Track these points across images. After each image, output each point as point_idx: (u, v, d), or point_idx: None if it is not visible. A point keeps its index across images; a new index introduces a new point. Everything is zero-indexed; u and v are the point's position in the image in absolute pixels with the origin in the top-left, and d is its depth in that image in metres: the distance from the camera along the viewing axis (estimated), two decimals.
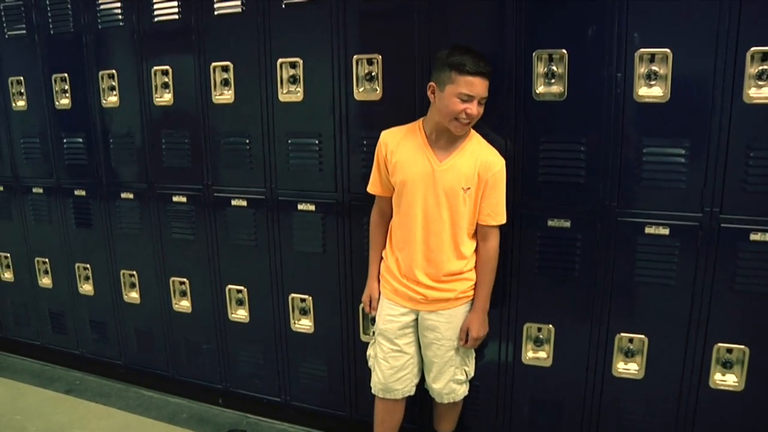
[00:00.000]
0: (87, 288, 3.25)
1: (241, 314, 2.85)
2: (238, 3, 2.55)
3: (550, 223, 2.21)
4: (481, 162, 2.10)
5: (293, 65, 2.49)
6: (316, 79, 2.47)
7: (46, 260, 3.34)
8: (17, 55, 3.14)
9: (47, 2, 2.97)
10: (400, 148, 2.16)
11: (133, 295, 3.11)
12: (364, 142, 2.41)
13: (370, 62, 2.37)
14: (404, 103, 2.28)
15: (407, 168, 2.13)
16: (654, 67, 2.00)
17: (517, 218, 2.23)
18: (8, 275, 3.51)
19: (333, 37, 2.39)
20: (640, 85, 2.03)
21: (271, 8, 2.49)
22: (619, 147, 2.08)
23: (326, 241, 2.57)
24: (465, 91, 2.00)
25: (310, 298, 2.68)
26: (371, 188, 2.27)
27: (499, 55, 2.16)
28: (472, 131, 2.15)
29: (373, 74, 2.37)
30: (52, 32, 2.99)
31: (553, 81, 2.12)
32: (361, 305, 2.43)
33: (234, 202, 2.73)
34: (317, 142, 2.50)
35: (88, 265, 3.22)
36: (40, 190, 3.23)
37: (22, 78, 3.14)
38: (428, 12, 2.25)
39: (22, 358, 3.60)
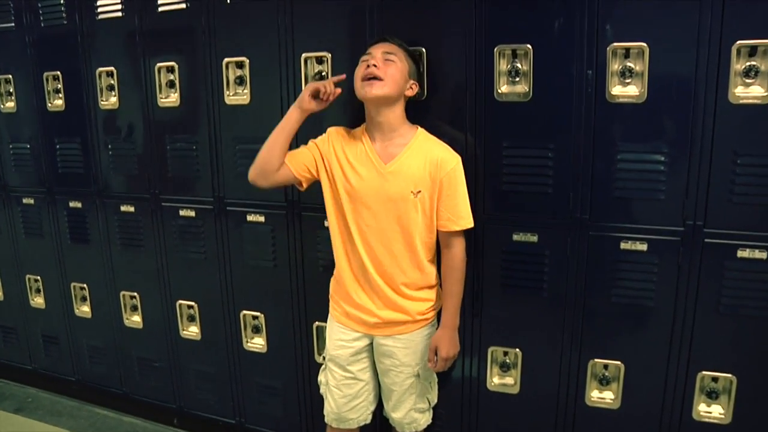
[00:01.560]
0: (38, 301, 2.95)
1: (192, 331, 2.56)
2: None
3: (515, 236, 1.92)
4: (430, 160, 1.80)
5: (240, 65, 2.20)
6: (264, 80, 2.17)
7: None
8: None
9: None
10: (345, 150, 1.86)
11: (84, 309, 2.82)
12: None
13: (319, 61, 2.07)
14: (355, 105, 1.99)
15: (350, 174, 1.84)
16: (629, 64, 1.71)
17: (479, 230, 1.94)
18: None
19: (280, 35, 2.10)
20: (614, 83, 1.73)
21: (215, 5, 2.20)
22: (590, 153, 1.79)
23: (277, 255, 2.28)
24: (364, 55, 1.81)
25: (262, 315, 2.38)
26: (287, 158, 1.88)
27: (457, 52, 1.87)
28: (419, 129, 1.86)
29: (323, 74, 2.07)
30: None
31: (517, 79, 1.83)
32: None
33: (182, 212, 2.44)
34: None
35: (38, 277, 2.93)
36: None
37: None
38: (380, 8, 1.96)
39: None
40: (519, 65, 1.82)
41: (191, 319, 2.55)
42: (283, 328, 2.35)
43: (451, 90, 1.90)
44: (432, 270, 1.90)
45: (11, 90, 2.74)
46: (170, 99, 2.36)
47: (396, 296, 1.86)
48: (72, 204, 2.70)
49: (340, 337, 1.96)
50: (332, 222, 1.90)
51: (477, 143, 1.90)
